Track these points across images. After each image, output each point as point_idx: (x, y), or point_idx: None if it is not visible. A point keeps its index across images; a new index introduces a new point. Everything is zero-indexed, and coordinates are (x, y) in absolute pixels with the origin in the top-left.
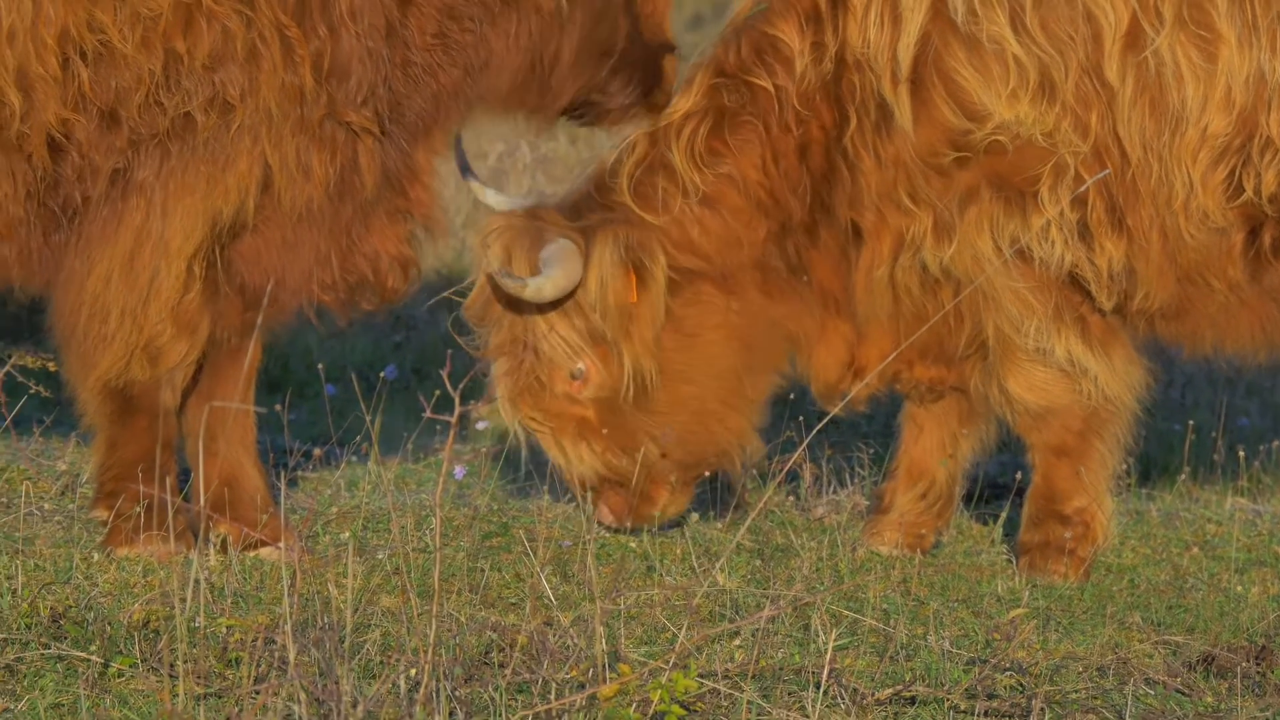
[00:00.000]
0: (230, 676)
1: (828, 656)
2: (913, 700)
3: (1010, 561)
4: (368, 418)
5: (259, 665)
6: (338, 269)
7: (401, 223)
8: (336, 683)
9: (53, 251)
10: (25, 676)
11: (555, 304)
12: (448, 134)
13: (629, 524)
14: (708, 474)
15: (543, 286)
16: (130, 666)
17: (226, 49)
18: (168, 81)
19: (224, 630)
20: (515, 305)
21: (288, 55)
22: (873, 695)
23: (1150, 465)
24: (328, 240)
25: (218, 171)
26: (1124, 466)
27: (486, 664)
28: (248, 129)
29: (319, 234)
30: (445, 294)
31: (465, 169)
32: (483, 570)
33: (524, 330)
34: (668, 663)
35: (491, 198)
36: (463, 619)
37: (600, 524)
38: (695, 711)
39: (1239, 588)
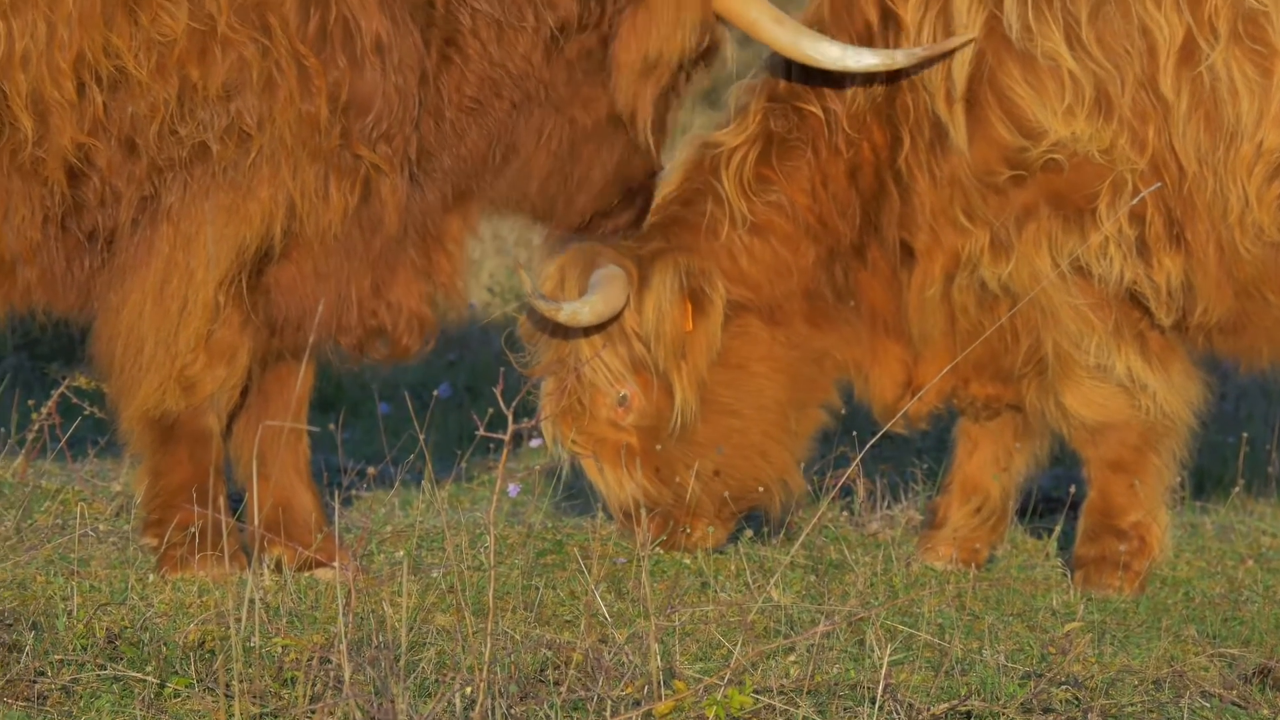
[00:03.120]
0: (285, 696)
1: (883, 672)
2: (968, 715)
3: (1065, 575)
4: (421, 436)
5: (314, 685)
6: (357, 312)
7: (426, 282)
8: (392, 702)
9: (76, 276)
10: (82, 698)
11: (601, 329)
12: (480, 211)
13: (698, 555)
14: (746, 509)
15: (579, 311)
16: (186, 687)
17: (243, 77)
18: (183, 110)
19: (279, 650)
20: (562, 328)
21: (304, 85)
22: (928, 710)
23: (1205, 478)
24: (351, 277)
25: (239, 200)
26: (1178, 479)
27: (542, 682)
28: (267, 157)
29: (344, 267)
30: (503, 312)
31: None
32: (537, 588)
33: (569, 353)
34: (723, 679)
35: None
36: (518, 637)
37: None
38: None
39: None
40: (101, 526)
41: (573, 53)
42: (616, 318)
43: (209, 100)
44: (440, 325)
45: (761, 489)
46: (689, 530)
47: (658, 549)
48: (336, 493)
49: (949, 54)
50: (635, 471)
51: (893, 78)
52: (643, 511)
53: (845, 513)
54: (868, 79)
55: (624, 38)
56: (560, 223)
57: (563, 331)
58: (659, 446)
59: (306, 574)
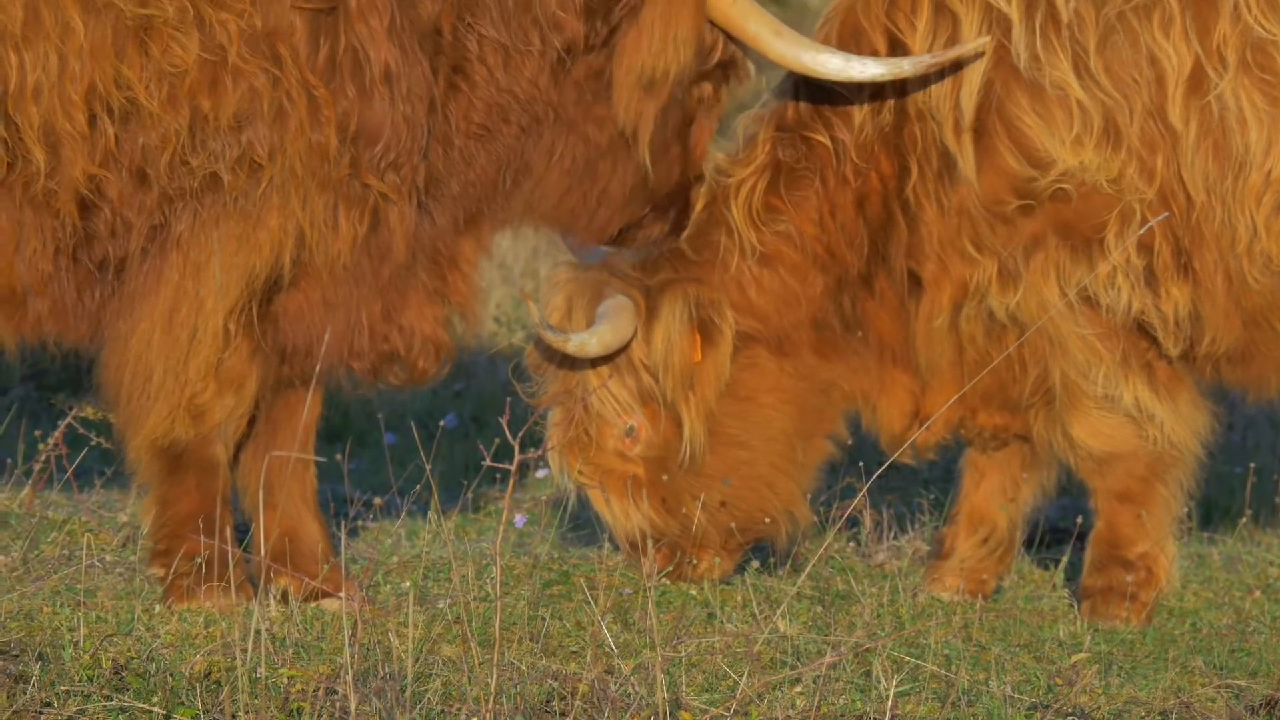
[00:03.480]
0: None
1: (889, 703)
2: None
3: (1072, 606)
4: (428, 467)
5: (320, 715)
6: (368, 337)
7: (440, 305)
8: None
9: (87, 306)
10: None
11: (608, 359)
12: (493, 231)
13: (706, 585)
14: (752, 540)
15: (587, 342)
16: (192, 718)
17: (253, 108)
18: (194, 140)
19: (285, 681)
20: (570, 359)
21: (314, 115)
22: None
23: (1212, 508)
24: (361, 304)
25: (249, 229)
26: (1185, 510)
27: (548, 712)
28: (277, 187)
29: (353, 295)
30: (510, 342)
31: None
32: (543, 618)
33: (576, 383)
34: (729, 710)
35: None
36: (524, 668)
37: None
38: None
39: None
40: (108, 557)
41: (580, 74)
42: (624, 348)
43: (220, 130)
44: (457, 347)
45: (768, 520)
46: (695, 561)
47: (664, 580)
48: (343, 523)
49: (958, 61)
50: (642, 502)
51: (900, 108)
52: (649, 542)
53: (852, 543)
54: (875, 110)
55: (619, 55)
56: (586, 236)
57: (570, 362)
58: (665, 477)
59: (313, 605)
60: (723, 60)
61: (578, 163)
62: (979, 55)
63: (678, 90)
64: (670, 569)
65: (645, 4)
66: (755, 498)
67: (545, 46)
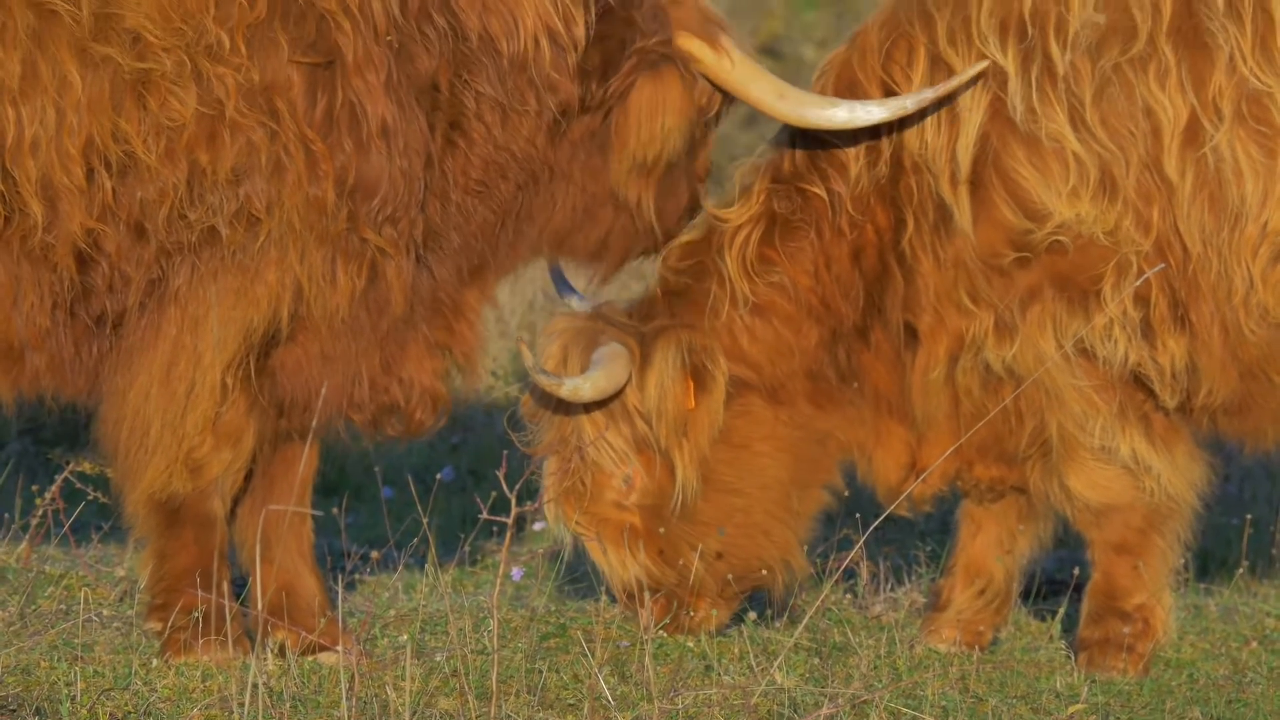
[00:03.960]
0: None
1: None
2: None
3: (1069, 657)
4: (425, 520)
5: None
6: (368, 389)
7: (439, 358)
8: None
9: (84, 361)
10: None
11: (603, 407)
12: (498, 279)
13: (702, 637)
14: (749, 589)
15: (580, 387)
16: None
17: (251, 162)
18: (191, 194)
19: None
20: (565, 406)
21: (312, 169)
22: None
23: (1208, 559)
24: (360, 357)
25: (247, 283)
26: (1182, 561)
27: None
28: (274, 241)
29: (351, 348)
30: (506, 392)
31: (563, 285)
32: (541, 671)
33: (572, 432)
34: None
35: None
36: None
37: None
38: None
39: None
40: (105, 612)
41: (576, 134)
42: (618, 394)
43: (218, 184)
44: (453, 399)
45: (765, 569)
46: (692, 611)
47: (661, 632)
48: (340, 577)
49: (956, 93)
50: (639, 551)
51: (896, 160)
52: (646, 593)
53: (849, 595)
54: (871, 162)
55: (612, 140)
56: (609, 268)
57: (565, 409)
58: (661, 529)
59: (310, 658)
60: (716, 114)
61: (579, 210)
62: (978, 77)
63: (672, 162)
64: (667, 620)
65: (631, 95)
66: (752, 546)
67: (541, 107)
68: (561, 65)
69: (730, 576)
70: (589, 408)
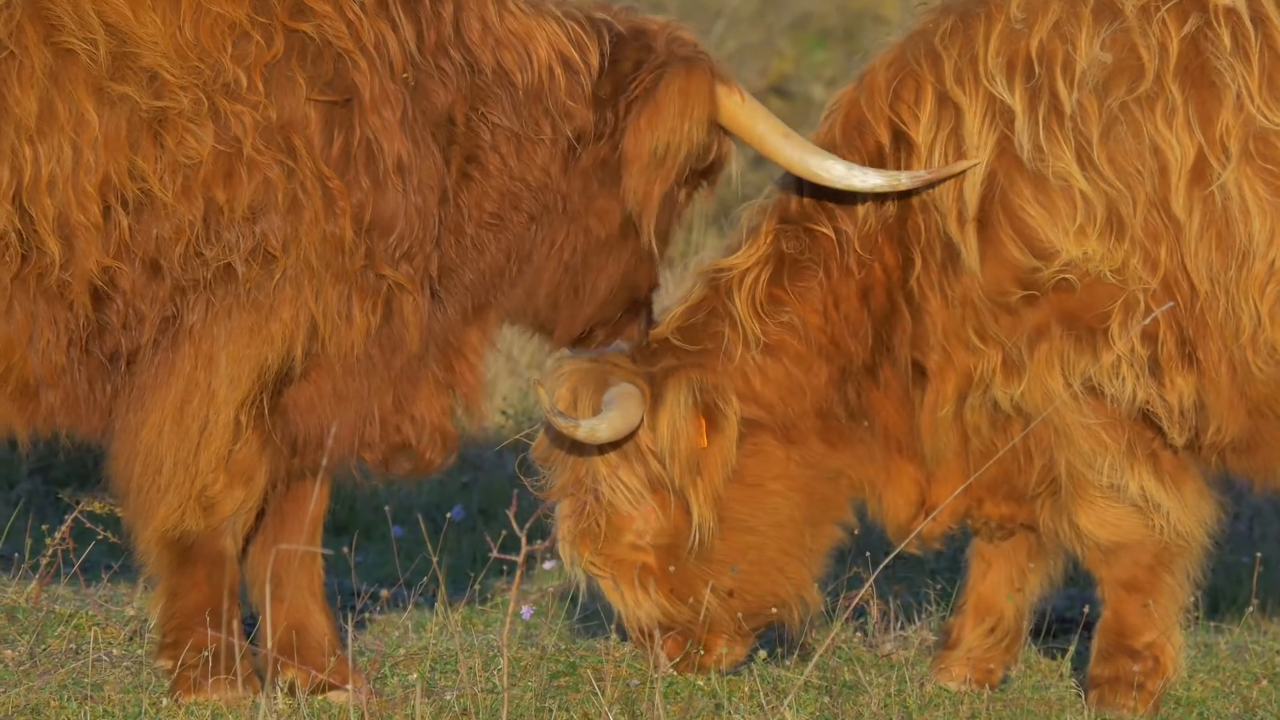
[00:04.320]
0: None
1: None
2: None
3: (1079, 696)
4: (435, 559)
5: None
6: (380, 428)
7: (446, 395)
8: None
9: (98, 398)
10: None
11: (617, 448)
12: (498, 321)
13: (712, 675)
14: (765, 625)
15: (596, 428)
16: None
17: (268, 199)
18: (208, 232)
19: None
20: (578, 448)
21: (329, 206)
22: None
23: (1218, 598)
24: (373, 395)
25: (262, 320)
26: (1192, 599)
27: None
28: (290, 278)
29: (365, 386)
30: (516, 436)
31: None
32: (550, 710)
33: (585, 473)
34: None
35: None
36: None
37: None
38: None
39: None
40: (115, 651)
41: (588, 162)
42: (633, 434)
43: (235, 222)
44: (461, 438)
45: (780, 605)
46: (706, 649)
47: (672, 670)
48: (350, 616)
49: (953, 177)
50: (653, 591)
51: (903, 198)
52: (658, 633)
53: (859, 633)
54: (879, 199)
55: (633, 133)
56: (562, 334)
57: (578, 451)
58: (674, 565)
59: (320, 697)
60: (713, 161)
61: (575, 254)
62: (973, 167)
63: (681, 176)
64: (680, 660)
65: (663, 82)
66: (766, 583)
67: (556, 135)
68: (577, 92)
69: (744, 613)
70: (603, 449)
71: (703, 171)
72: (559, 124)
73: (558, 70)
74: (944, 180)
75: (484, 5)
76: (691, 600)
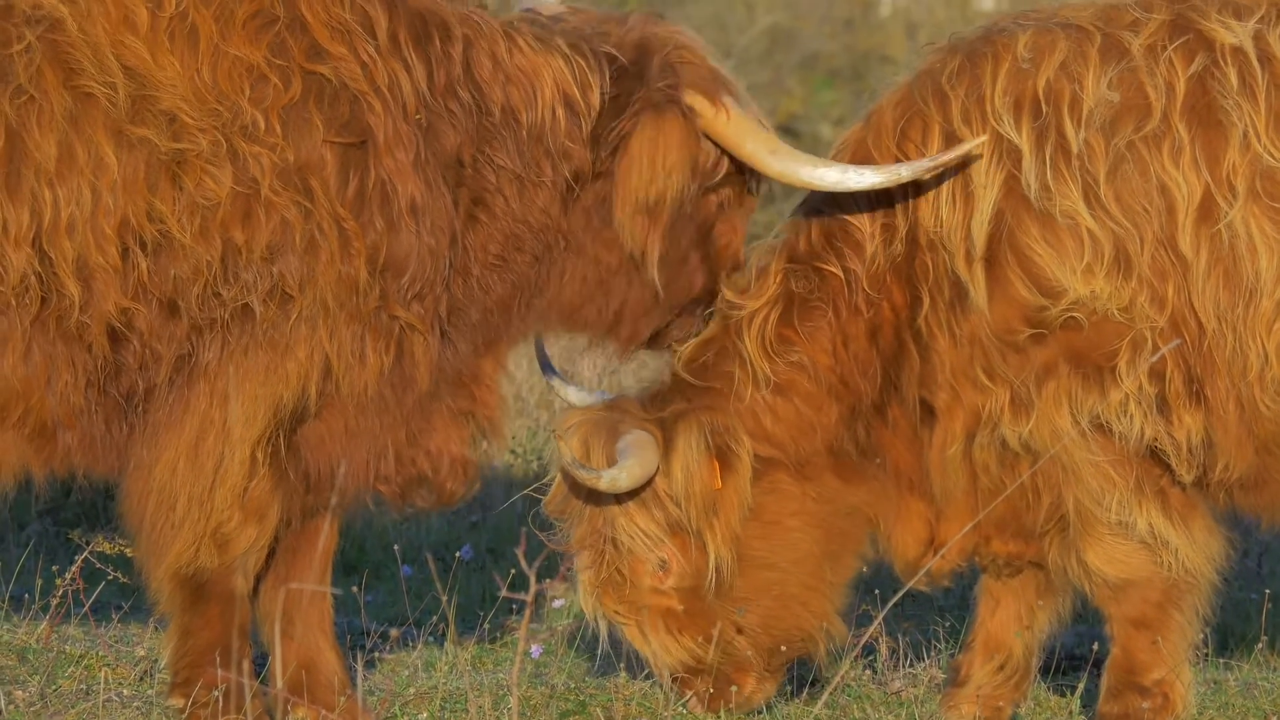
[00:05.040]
0: None
1: None
2: None
3: None
4: (444, 598)
5: None
6: (394, 462)
7: (465, 425)
8: None
9: (115, 438)
10: None
11: (633, 495)
12: (513, 347)
13: (720, 713)
14: (792, 658)
15: (618, 478)
16: None
17: (285, 240)
18: (226, 272)
19: None
20: (594, 498)
21: (345, 247)
22: None
23: (1228, 634)
24: (385, 431)
25: (277, 359)
26: (1201, 636)
27: None
28: (306, 318)
29: (377, 423)
30: (526, 491)
31: (546, 367)
32: None
33: (603, 523)
34: None
35: (573, 395)
36: None
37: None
38: None
39: None
40: (125, 691)
41: (589, 200)
42: (649, 481)
43: (253, 262)
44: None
45: (805, 639)
46: (737, 687)
47: (681, 708)
48: (360, 655)
49: (953, 162)
50: (680, 634)
51: (912, 238)
52: (687, 677)
53: (868, 670)
54: (887, 241)
55: (616, 181)
56: (620, 345)
57: (594, 501)
58: (692, 605)
59: None
60: (729, 172)
61: (589, 282)
62: (976, 157)
63: (682, 209)
64: (689, 697)
65: (635, 132)
66: (790, 618)
67: (556, 176)
68: (575, 133)
69: (772, 649)
70: (620, 498)
71: (724, 181)
72: (558, 164)
73: (559, 111)
74: (943, 167)
75: (494, 41)
76: (718, 640)
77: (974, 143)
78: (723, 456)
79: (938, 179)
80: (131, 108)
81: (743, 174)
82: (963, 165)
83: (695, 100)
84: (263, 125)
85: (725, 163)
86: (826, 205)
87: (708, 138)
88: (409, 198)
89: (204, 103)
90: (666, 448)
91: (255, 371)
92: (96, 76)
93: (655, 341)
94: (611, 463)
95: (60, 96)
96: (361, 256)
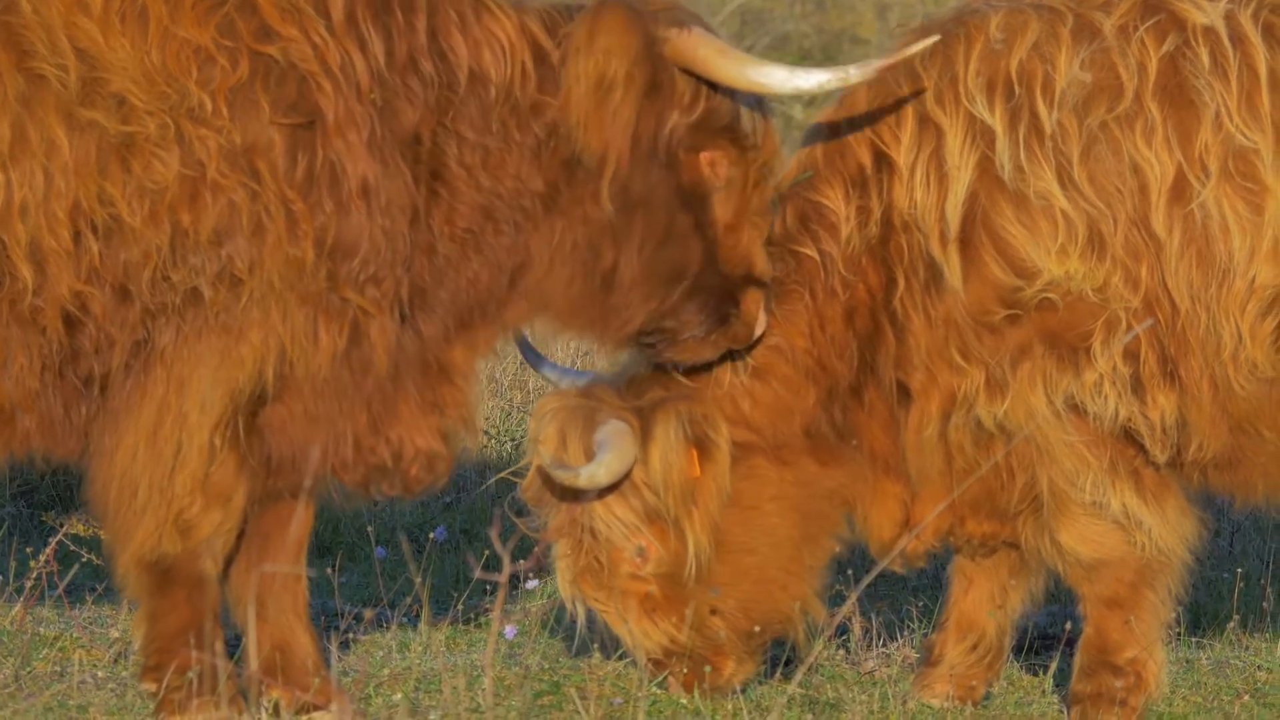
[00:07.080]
0: None
1: None
2: None
3: (1061, 712)
4: (418, 579)
5: None
6: (353, 449)
7: (433, 415)
8: None
9: (74, 422)
10: None
11: (615, 486)
12: (492, 335)
13: (696, 694)
14: (770, 640)
15: (596, 473)
16: None
17: (233, 222)
18: (174, 256)
19: None
20: (572, 490)
21: (292, 229)
22: None
23: (1200, 613)
24: (344, 416)
25: (231, 343)
26: (1174, 615)
27: None
28: (256, 301)
29: (335, 407)
30: (501, 474)
31: (535, 361)
32: None
33: (581, 511)
34: None
35: (548, 371)
36: None
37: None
38: None
39: None
40: (100, 673)
41: (566, 150)
42: (629, 472)
43: (200, 245)
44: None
45: (783, 621)
46: (717, 670)
47: (655, 689)
48: (334, 636)
49: (906, 60)
50: (659, 619)
51: (886, 220)
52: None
53: (841, 650)
54: (862, 223)
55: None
56: (609, 331)
57: (574, 493)
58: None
59: (304, 717)
60: (710, 113)
61: (580, 247)
62: (928, 53)
63: (658, 145)
64: (662, 678)
65: (574, 29)
66: (769, 601)
67: (525, 136)
68: (548, 85)
69: (750, 632)
70: (601, 490)
71: (718, 134)
72: (528, 123)
73: (529, 65)
74: (896, 65)
75: (461, 3)
76: (697, 625)
77: (924, 43)
78: (701, 446)
79: (911, 167)
80: (82, 90)
81: (729, 138)
82: (937, 148)
83: (656, 23)
84: (209, 107)
85: (703, 95)
86: (802, 189)
87: (672, 62)
88: (360, 178)
89: (153, 85)
90: (644, 438)
91: (210, 356)
92: (49, 59)
93: (659, 342)
94: (589, 455)
95: (13, 78)
96: (309, 239)
